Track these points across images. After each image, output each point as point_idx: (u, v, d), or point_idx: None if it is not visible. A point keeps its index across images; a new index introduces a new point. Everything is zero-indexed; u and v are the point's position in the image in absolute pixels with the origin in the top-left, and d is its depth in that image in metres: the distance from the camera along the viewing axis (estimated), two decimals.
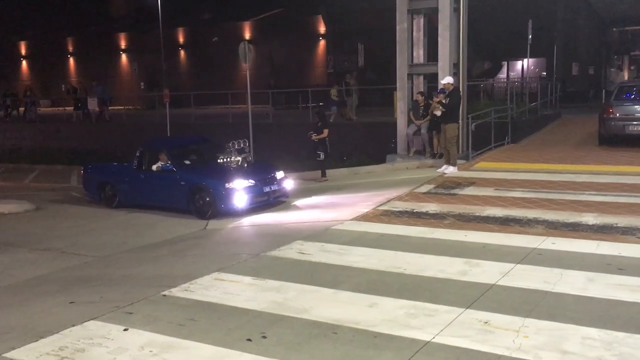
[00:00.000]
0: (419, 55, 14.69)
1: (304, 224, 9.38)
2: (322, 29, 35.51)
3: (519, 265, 6.42)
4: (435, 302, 5.49)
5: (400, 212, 9.30)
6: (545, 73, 29.68)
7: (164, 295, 6.08)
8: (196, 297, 5.97)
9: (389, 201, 9.98)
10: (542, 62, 30.78)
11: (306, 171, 14.55)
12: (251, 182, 10.81)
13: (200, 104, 29.13)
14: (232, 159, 11.40)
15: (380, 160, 14.86)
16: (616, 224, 7.86)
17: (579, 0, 27.69)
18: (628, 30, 35.94)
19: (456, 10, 13.67)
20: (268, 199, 11.07)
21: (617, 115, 14.11)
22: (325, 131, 13.64)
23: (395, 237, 8.03)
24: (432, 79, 14.54)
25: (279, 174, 11.54)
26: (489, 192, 10.16)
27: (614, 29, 34.58)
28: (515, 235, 7.67)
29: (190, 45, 40.82)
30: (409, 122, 14.38)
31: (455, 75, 13.81)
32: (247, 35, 37.24)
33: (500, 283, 5.91)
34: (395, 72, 14.73)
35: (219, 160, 11.53)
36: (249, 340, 4.84)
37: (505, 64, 30.36)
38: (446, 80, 12.69)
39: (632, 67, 37.40)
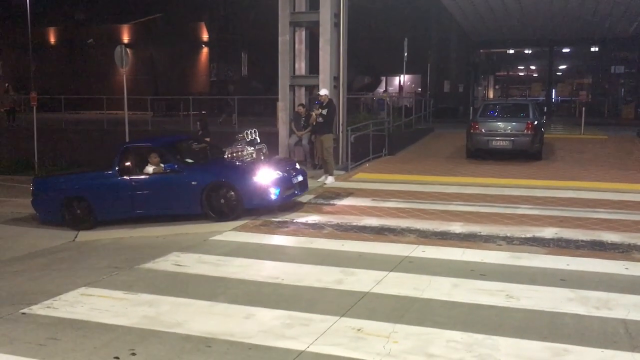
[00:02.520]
0: (301, 67, 14.91)
1: (181, 235, 9.12)
2: (205, 36, 35.03)
3: (391, 273, 6.66)
4: (311, 311, 5.55)
5: (280, 222, 9.32)
6: (420, 89, 31.35)
7: (23, 314, 5.63)
8: (60, 315, 5.58)
9: (269, 212, 9.98)
10: (418, 79, 32.49)
11: None
12: (279, 173, 9.85)
13: (73, 108, 27.55)
14: (245, 151, 10.24)
15: None
16: (480, 232, 8.41)
17: (450, 23, 29.54)
18: (493, 52, 38.89)
19: (337, 25, 14.05)
20: (294, 192, 10.18)
21: (482, 131, 15.17)
22: (207, 140, 13.41)
23: (274, 247, 8.05)
24: (314, 90, 14.80)
25: (298, 166, 10.86)
26: (366, 202, 10.49)
27: (481, 51, 37.25)
28: (389, 244, 7.97)
29: (63, 46, 38.55)
30: (291, 132, 14.52)
31: (335, 88, 14.16)
32: (126, 39, 35.86)
33: (374, 291, 6.09)
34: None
35: (226, 155, 10.42)
36: (117, 358, 4.60)
37: (384, 79, 31.65)
38: (322, 92, 12.98)
39: (496, 87, 40.49)
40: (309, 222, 9.24)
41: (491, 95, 38.85)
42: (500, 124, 15.19)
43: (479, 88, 37.72)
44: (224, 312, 5.60)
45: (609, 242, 7.79)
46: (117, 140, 14.69)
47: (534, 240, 7.97)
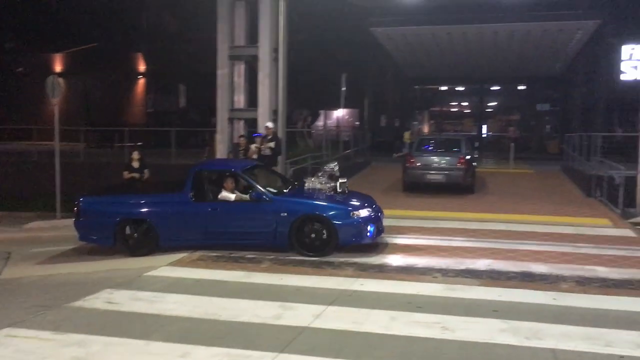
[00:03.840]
0: (240, 100, 14.95)
1: (114, 270, 8.81)
2: (142, 67, 34.58)
3: (330, 306, 6.66)
4: (249, 347, 5.46)
5: (217, 256, 9.18)
6: (358, 123, 31.93)
7: None
8: None
9: (207, 246, 9.79)
10: (355, 113, 33.10)
11: None
12: (370, 209, 9.45)
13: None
14: (327, 184, 9.81)
15: None
16: (416, 264, 8.56)
17: (387, 59, 30.41)
18: (428, 88, 40.22)
19: (276, 59, 14.20)
20: (380, 229, 9.57)
21: (418, 164, 15.55)
22: (146, 172, 13.10)
23: (211, 282, 7.90)
24: (253, 123, 14.83)
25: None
26: None
27: (416, 87, 38.46)
28: (328, 277, 7.98)
29: None
30: None
31: (274, 121, 14.24)
32: (58, 68, 34.91)
33: (313, 325, 6.07)
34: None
35: (305, 186, 9.97)
36: None
37: (322, 112, 32.05)
38: (269, 124, 13.07)
39: (431, 121, 41.76)
40: (247, 256, 9.13)
41: (426, 130, 40.01)
42: (435, 158, 15.63)
43: (415, 123, 38.81)
44: (159, 351, 5.43)
45: (538, 273, 8.09)
46: (46, 171, 14.14)
47: (468, 272, 8.18)
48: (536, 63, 29.31)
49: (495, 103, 40.82)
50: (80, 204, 9.87)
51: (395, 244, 9.84)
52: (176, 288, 7.55)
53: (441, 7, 21.64)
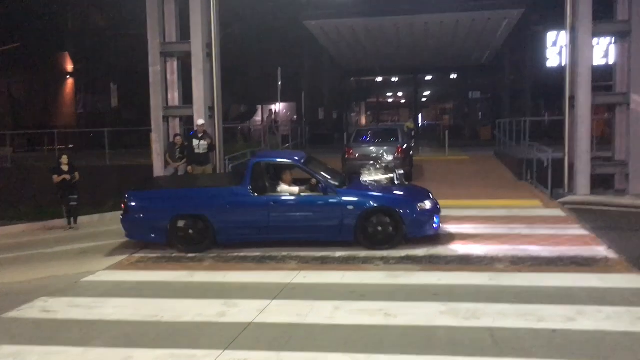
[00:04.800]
0: (174, 97, 14.65)
1: (49, 278, 8.50)
2: (70, 67, 33.35)
3: (274, 301, 6.68)
4: (194, 347, 5.41)
5: (158, 257, 9.02)
6: (295, 117, 31.95)
7: None
8: None
9: (145, 247, 9.61)
10: (293, 107, 33.10)
11: (51, 220, 13.34)
12: (432, 201, 9.29)
13: None
14: (384, 176, 9.65)
15: None
16: (358, 254, 8.66)
17: (322, 52, 30.54)
18: (364, 80, 40.66)
19: (209, 55, 14.00)
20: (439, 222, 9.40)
21: (356, 156, 15.72)
22: (76, 174, 12.69)
23: (152, 284, 7.76)
24: (189, 121, 14.59)
25: None
26: None
27: (352, 79, 38.81)
28: (271, 272, 7.99)
29: None
30: (166, 164, 14.16)
31: (211, 117, 14.06)
32: None
33: (257, 320, 6.07)
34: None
35: (362, 179, 9.78)
36: None
37: (259, 107, 31.92)
38: (200, 122, 12.91)
39: (368, 113, 42.27)
40: (188, 255, 9.01)
41: (364, 121, 40.48)
42: (373, 149, 15.83)
43: (352, 114, 39.19)
44: (100, 357, 5.31)
45: (475, 255, 8.37)
46: None
47: (409, 258, 8.36)
48: (466, 52, 30.10)
49: (430, 92, 41.72)
50: (129, 199, 9.29)
51: None
52: (116, 292, 7.38)
53: None
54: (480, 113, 37.65)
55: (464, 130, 34.38)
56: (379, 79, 39.94)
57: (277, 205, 9.02)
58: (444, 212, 11.45)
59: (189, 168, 12.89)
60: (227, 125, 18.91)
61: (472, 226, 10.24)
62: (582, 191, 12.88)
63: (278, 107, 28.49)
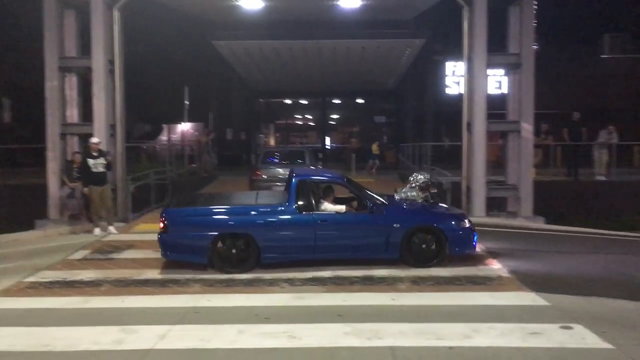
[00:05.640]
0: (73, 114, 14.00)
1: None
2: None
3: (176, 326, 6.46)
4: None
5: (50, 282, 8.49)
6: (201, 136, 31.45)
7: None
8: None
9: (37, 272, 9.03)
10: (201, 127, 32.59)
11: None
12: (469, 220, 9.53)
13: None
14: (420, 195, 9.97)
15: (29, 227, 13.44)
16: (264, 276, 8.59)
17: (231, 72, 30.40)
18: (273, 101, 40.82)
19: (111, 71, 13.54)
20: None
21: (264, 177, 15.70)
22: None
23: (44, 311, 7.28)
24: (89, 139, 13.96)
25: None
26: (148, 254, 10.06)
27: (261, 100, 38.87)
28: (174, 296, 7.75)
29: None
30: (62, 183, 13.45)
31: (112, 136, 13.55)
32: None
33: (158, 347, 5.85)
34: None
35: (396, 197, 10.14)
36: None
37: (165, 127, 31.16)
38: (95, 140, 12.30)
39: (277, 134, 42.39)
40: (84, 279, 8.56)
41: (272, 142, 40.54)
42: (280, 170, 15.88)
43: (261, 135, 39.16)
44: None
45: (378, 276, 8.54)
46: None
47: (314, 280, 8.40)
48: (372, 77, 31.09)
49: (337, 116, 42.54)
50: (168, 217, 8.87)
51: None
52: (2, 321, 6.84)
53: (282, 22, 22.12)
54: (385, 137, 38.81)
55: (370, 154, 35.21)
56: (288, 101, 40.27)
57: (324, 223, 8.97)
58: None
59: (85, 189, 12.25)
60: (130, 144, 18.29)
61: None
62: (478, 213, 13.53)
63: (185, 126, 27.95)
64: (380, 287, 8.05)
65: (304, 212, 9.01)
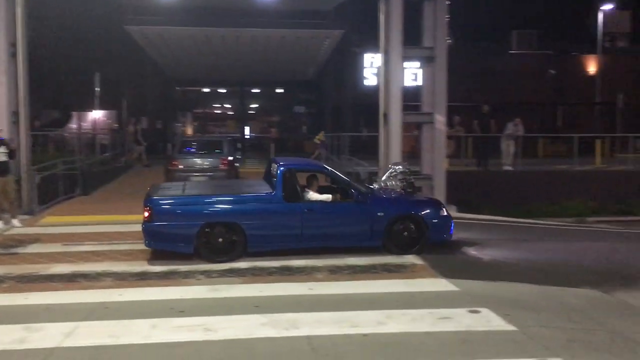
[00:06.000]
0: None
1: None
2: None
3: (84, 322, 6.20)
4: None
5: None
6: (117, 125, 30.30)
7: None
8: None
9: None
10: (114, 115, 31.39)
11: None
12: (446, 210, 9.89)
13: None
14: (399, 185, 10.29)
15: None
16: (180, 269, 8.40)
17: (146, 59, 29.41)
18: (191, 90, 39.95)
19: (14, 55, 12.71)
20: None
21: (181, 167, 15.35)
22: None
23: None
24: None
25: None
26: (56, 248, 9.60)
27: (178, 88, 37.93)
28: (83, 291, 7.43)
29: None
30: None
31: (15, 124, 12.77)
32: None
33: (64, 345, 5.58)
34: None
35: (375, 186, 10.42)
36: None
37: (75, 114, 29.78)
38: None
39: (195, 123, 41.57)
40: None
41: (190, 131, 39.72)
42: (198, 160, 15.60)
43: (178, 125, 38.27)
44: None
45: (296, 266, 8.56)
46: None
47: (231, 271, 8.30)
48: (292, 67, 31.05)
49: (257, 105, 42.25)
50: (154, 206, 8.72)
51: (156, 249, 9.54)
52: None
53: (200, 8, 21.60)
54: (304, 127, 38.95)
55: (289, 143, 35.27)
56: (207, 90, 39.57)
57: (310, 212, 9.05)
58: None
59: None
60: (36, 132, 17.34)
61: None
62: None
63: (96, 114, 26.80)
64: (297, 277, 8.07)
65: (290, 201, 9.08)
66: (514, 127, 19.11)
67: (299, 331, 5.92)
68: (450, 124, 17.52)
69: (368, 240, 9.28)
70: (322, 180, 10.13)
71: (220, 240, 8.79)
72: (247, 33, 23.15)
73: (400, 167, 11.08)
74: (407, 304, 6.86)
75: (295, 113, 38.95)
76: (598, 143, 21.25)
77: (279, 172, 9.20)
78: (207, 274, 8.17)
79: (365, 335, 5.82)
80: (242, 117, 38.67)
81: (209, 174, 15.18)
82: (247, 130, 38.98)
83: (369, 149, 20.21)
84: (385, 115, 14.11)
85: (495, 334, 5.90)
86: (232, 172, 15.65)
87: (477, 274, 8.26)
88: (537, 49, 33.97)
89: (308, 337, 5.73)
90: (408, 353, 5.37)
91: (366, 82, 31.45)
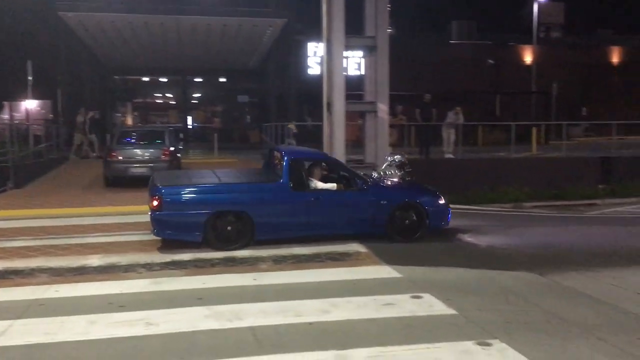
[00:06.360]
0: None
1: None
2: None
3: (18, 321, 5.93)
4: None
5: None
6: (52, 115, 29.17)
7: None
8: None
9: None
10: (49, 105, 30.19)
11: None
12: (444, 198, 10.09)
13: None
14: (397, 173, 10.49)
15: None
16: (119, 262, 8.18)
17: (82, 47, 28.37)
18: (130, 79, 38.85)
19: None
20: None
21: (120, 158, 14.93)
22: None
23: None
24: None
25: None
26: None
27: (116, 77, 36.83)
28: (15, 288, 7.11)
29: None
30: None
31: None
32: None
33: None
34: None
35: (374, 175, 10.60)
36: None
37: (6, 104, 28.46)
38: None
39: (135, 113, 40.50)
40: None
41: (130, 122, 38.69)
42: (138, 151, 15.21)
43: (117, 115, 37.22)
44: None
45: (240, 257, 8.48)
46: None
47: (173, 263, 8.15)
48: (235, 56, 30.67)
49: (199, 94, 41.55)
50: (164, 195, 8.71)
51: (96, 243, 9.25)
52: None
53: None
54: (249, 117, 38.62)
55: (233, 133, 34.91)
56: (147, 79, 38.61)
57: (317, 201, 9.21)
58: None
59: None
60: None
61: None
62: None
63: (30, 104, 25.67)
64: (241, 268, 8.00)
65: (298, 190, 9.21)
66: (455, 116, 19.53)
67: (243, 322, 5.87)
68: (393, 113, 17.73)
69: (371, 227, 9.50)
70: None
71: (229, 228, 8.84)
72: (187, 21, 22.69)
73: (398, 156, 11.28)
74: (351, 291, 6.91)
75: (239, 102, 38.53)
76: (534, 131, 21.98)
77: (285, 161, 9.30)
78: (149, 267, 7.99)
79: (310, 324, 5.83)
80: (184, 107, 37.96)
81: (149, 165, 14.81)
82: (189, 120, 38.32)
83: (314, 138, 20.24)
84: (329, 105, 14.12)
85: (436, 319, 6.02)
86: (174, 163, 15.34)
87: (420, 260, 8.41)
88: (476, 39, 34.79)
89: (252, 328, 5.69)
90: (352, 340, 5.41)
91: (310, 71, 31.48)
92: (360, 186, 9.59)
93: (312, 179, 9.63)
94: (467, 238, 10.31)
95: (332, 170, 10.17)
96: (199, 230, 8.74)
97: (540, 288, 7.35)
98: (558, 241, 10.45)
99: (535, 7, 33.44)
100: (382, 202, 9.50)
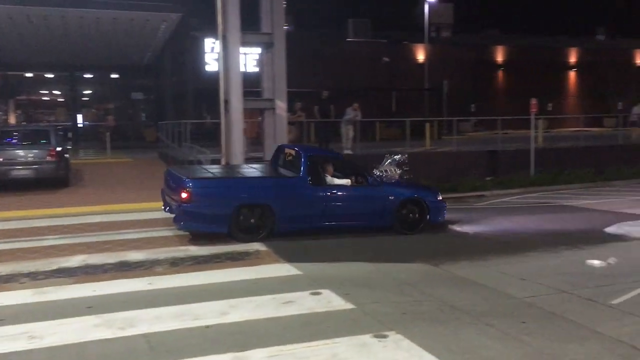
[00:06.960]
0: None
1: None
2: None
3: None
4: None
5: None
6: None
7: None
8: None
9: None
10: None
11: None
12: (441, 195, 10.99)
13: None
14: (396, 172, 11.04)
15: None
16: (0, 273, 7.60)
17: None
18: (10, 75, 36.20)
19: None
20: None
21: (1, 160, 13.91)
22: None
23: None
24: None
25: None
26: None
27: None
28: None
29: None
30: None
31: None
32: None
33: None
34: None
35: (376, 172, 10.98)
36: None
37: None
38: None
39: (18, 112, 37.85)
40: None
41: (13, 120, 36.12)
42: (21, 152, 14.25)
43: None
44: None
45: (134, 261, 8.15)
46: None
47: (61, 271, 7.69)
48: (127, 51, 29.39)
49: (90, 92, 39.53)
50: (194, 187, 9.06)
51: None
52: None
53: None
54: (143, 114, 37.29)
55: (128, 132, 33.57)
56: (30, 75, 36.21)
57: (332, 195, 9.94)
58: (102, 218, 11.04)
59: None
60: None
61: (133, 231, 10.00)
62: None
63: None
64: (136, 272, 7.68)
65: (315, 185, 9.85)
66: (353, 112, 19.86)
67: (136, 329, 5.61)
68: (291, 109, 17.75)
69: (379, 221, 10.24)
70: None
71: (252, 220, 9.29)
72: (73, 13, 21.42)
73: (398, 155, 11.78)
74: (251, 291, 6.82)
75: (133, 100, 37.08)
76: (427, 126, 22.84)
77: (303, 158, 9.97)
78: (33, 276, 7.48)
79: (207, 327, 5.68)
80: (73, 105, 35.97)
81: (34, 167, 13.96)
82: (79, 118, 36.37)
83: (212, 137, 19.88)
84: (227, 102, 13.91)
85: (335, 314, 6.07)
86: (62, 164, 14.51)
87: (319, 257, 8.47)
88: (371, 38, 35.63)
89: (145, 335, 5.45)
90: (251, 340, 5.32)
91: (208, 68, 30.89)
92: (371, 182, 10.36)
93: (326, 175, 10.28)
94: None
95: (343, 167, 10.83)
96: (225, 222, 9.11)
97: (434, 279, 7.63)
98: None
99: (426, 7, 34.80)
100: (390, 197, 10.28)
